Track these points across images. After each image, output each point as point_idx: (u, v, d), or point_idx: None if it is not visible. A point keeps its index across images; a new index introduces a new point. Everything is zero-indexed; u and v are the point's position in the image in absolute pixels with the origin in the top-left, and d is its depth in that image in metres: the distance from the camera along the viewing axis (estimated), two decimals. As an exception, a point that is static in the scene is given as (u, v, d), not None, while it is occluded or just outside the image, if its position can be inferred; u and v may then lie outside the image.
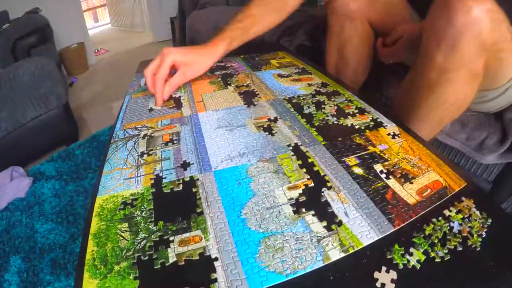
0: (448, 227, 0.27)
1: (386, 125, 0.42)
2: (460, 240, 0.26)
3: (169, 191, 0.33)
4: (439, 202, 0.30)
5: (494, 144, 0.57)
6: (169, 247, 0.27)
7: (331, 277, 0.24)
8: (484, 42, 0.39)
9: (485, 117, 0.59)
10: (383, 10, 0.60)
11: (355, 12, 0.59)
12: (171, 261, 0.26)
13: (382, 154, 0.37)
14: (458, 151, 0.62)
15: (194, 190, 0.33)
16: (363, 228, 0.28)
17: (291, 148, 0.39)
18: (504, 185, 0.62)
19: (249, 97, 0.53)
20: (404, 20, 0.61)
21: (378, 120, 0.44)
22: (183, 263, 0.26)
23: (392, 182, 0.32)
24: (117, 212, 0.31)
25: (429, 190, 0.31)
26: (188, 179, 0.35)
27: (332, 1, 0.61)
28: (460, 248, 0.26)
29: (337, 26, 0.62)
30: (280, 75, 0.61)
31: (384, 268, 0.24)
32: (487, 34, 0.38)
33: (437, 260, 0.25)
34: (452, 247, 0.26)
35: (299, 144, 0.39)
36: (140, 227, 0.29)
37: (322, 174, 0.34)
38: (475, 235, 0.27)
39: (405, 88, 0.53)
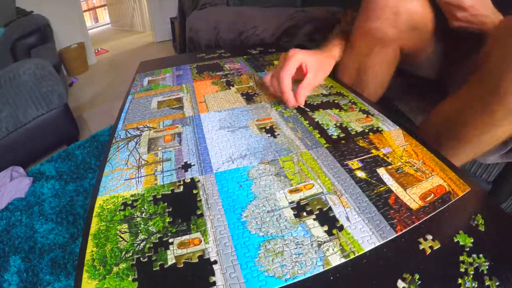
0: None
1: (390, 128, 0.42)
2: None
3: (169, 192, 0.33)
4: (442, 208, 0.29)
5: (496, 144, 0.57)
6: (169, 249, 0.27)
7: (331, 283, 0.24)
8: None
9: None
10: (419, 38, 0.53)
11: (391, 39, 0.52)
12: (170, 263, 0.26)
13: (385, 158, 0.36)
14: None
15: (194, 191, 0.33)
16: (364, 233, 0.27)
17: (293, 150, 0.38)
18: (504, 185, 0.62)
19: (251, 98, 0.52)
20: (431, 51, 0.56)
21: (382, 123, 0.43)
22: (182, 265, 0.26)
23: (395, 187, 0.32)
24: (117, 213, 0.31)
25: (432, 195, 0.31)
26: (189, 180, 0.34)
27: (365, 21, 0.52)
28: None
29: (365, 48, 0.55)
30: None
31: None
32: None
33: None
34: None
35: (301, 146, 0.39)
36: (140, 228, 0.29)
37: (324, 177, 0.34)
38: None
39: (447, 114, 0.47)
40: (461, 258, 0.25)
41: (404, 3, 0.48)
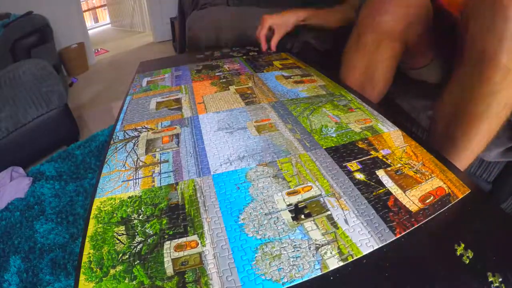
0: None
1: (390, 129, 0.42)
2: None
3: (167, 194, 0.33)
4: (441, 210, 0.29)
5: (498, 138, 0.56)
6: (165, 251, 0.27)
7: (329, 287, 0.24)
8: None
9: None
10: (421, 32, 0.53)
11: (401, 32, 0.52)
12: (166, 266, 0.26)
13: (384, 159, 0.36)
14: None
15: (192, 193, 0.33)
16: (363, 236, 0.27)
17: (291, 152, 0.38)
18: (504, 185, 0.62)
19: (250, 99, 0.52)
20: (430, 45, 0.57)
21: (382, 124, 0.43)
22: (178, 268, 0.25)
23: (394, 189, 0.32)
24: (114, 214, 0.31)
25: (432, 197, 0.31)
26: (186, 182, 0.34)
27: (372, 16, 0.53)
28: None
29: (373, 44, 0.54)
30: (282, 77, 0.60)
31: None
32: None
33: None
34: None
35: (300, 148, 0.39)
36: (137, 230, 0.29)
37: (322, 179, 0.33)
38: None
39: (449, 103, 0.46)
40: (463, 259, 0.25)
41: None
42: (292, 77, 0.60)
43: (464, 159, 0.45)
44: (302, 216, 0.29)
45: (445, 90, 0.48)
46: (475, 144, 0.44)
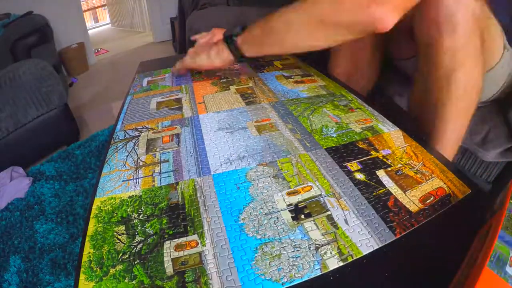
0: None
1: (390, 130, 0.42)
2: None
3: (167, 194, 0.33)
4: (442, 210, 0.29)
5: (497, 139, 0.57)
6: (165, 251, 0.27)
7: (329, 287, 0.24)
8: (477, 16, 0.39)
9: (487, 112, 0.59)
10: (400, 19, 0.57)
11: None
12: (166, 265, 0.26)
13: (385, 160, 0.36)
14: (459, 150, 0.62)
15: (192, 193, 0.33)
16: (363, 236, 0.27)
17: (292, 152, 0.38)
18: (503, 185, 0.62)
19: (251, 99, 0.52)
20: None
21: (382, 124, 0.43)
22: (178, 267, 0.25)
23: (394, 189, 0.32)
24: (115, 214, 0.31)
25: (432, 198, 0.31)
26: (186, 182, 0.34)
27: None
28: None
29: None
30: (283, 77, 0.60)
31: None
32: (476, 7, 0.39)
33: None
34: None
35: (300, 148, 0.39)
36: (137, 230, 0.29)
37: (322, 179, 0.33)
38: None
39: (419, 92, 0.48)
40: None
41: None
42: (292, 77, 0.60)
43: (447, 147, 0.46)
44: (302, 216, 0.29)
45: (414, 80, 0.50)
46: (450, 132, 0.44)
